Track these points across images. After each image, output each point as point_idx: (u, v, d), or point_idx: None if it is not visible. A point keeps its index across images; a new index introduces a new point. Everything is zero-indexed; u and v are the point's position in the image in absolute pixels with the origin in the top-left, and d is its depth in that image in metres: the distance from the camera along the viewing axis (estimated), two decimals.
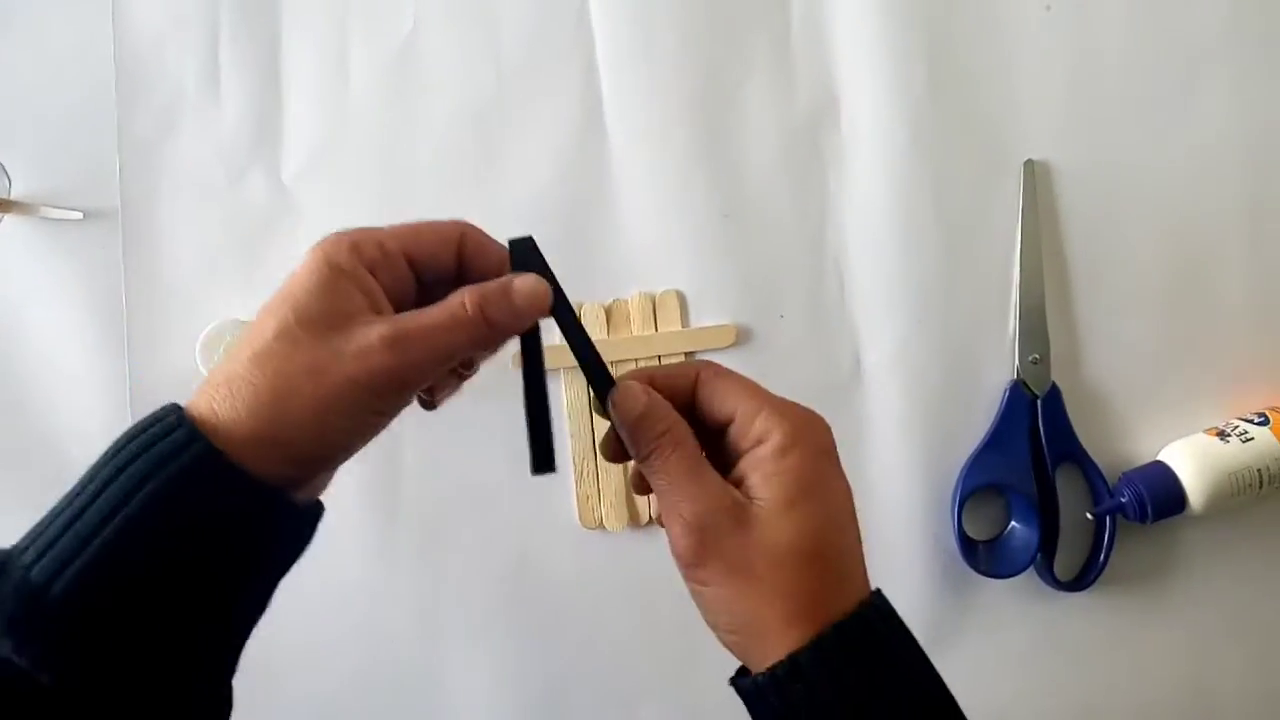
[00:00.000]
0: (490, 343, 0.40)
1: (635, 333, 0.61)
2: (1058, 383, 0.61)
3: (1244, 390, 0.61)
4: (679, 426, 0.39)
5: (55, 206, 0.60)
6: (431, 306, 0.38)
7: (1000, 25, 0.63)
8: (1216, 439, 0.58)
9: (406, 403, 0.38)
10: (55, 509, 0.34)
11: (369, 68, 0.62)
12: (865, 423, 0.61)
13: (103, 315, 0.60)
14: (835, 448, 0.39)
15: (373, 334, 0.36)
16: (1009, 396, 0.60)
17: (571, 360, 0.58)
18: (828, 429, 0.39)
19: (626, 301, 0.61)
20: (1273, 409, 0.59)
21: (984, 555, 0.60)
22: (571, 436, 0.60)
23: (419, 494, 0.60)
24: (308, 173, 0.61)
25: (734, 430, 0.39)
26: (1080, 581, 0.60)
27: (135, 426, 0.35)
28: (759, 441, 0.38)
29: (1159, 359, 0.62)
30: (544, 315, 0.40)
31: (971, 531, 0.60)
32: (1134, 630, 0.61)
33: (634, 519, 0.60)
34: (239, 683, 0.37)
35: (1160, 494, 0.58)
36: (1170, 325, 0.62)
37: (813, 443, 0.38)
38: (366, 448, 0.38)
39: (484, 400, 0.60)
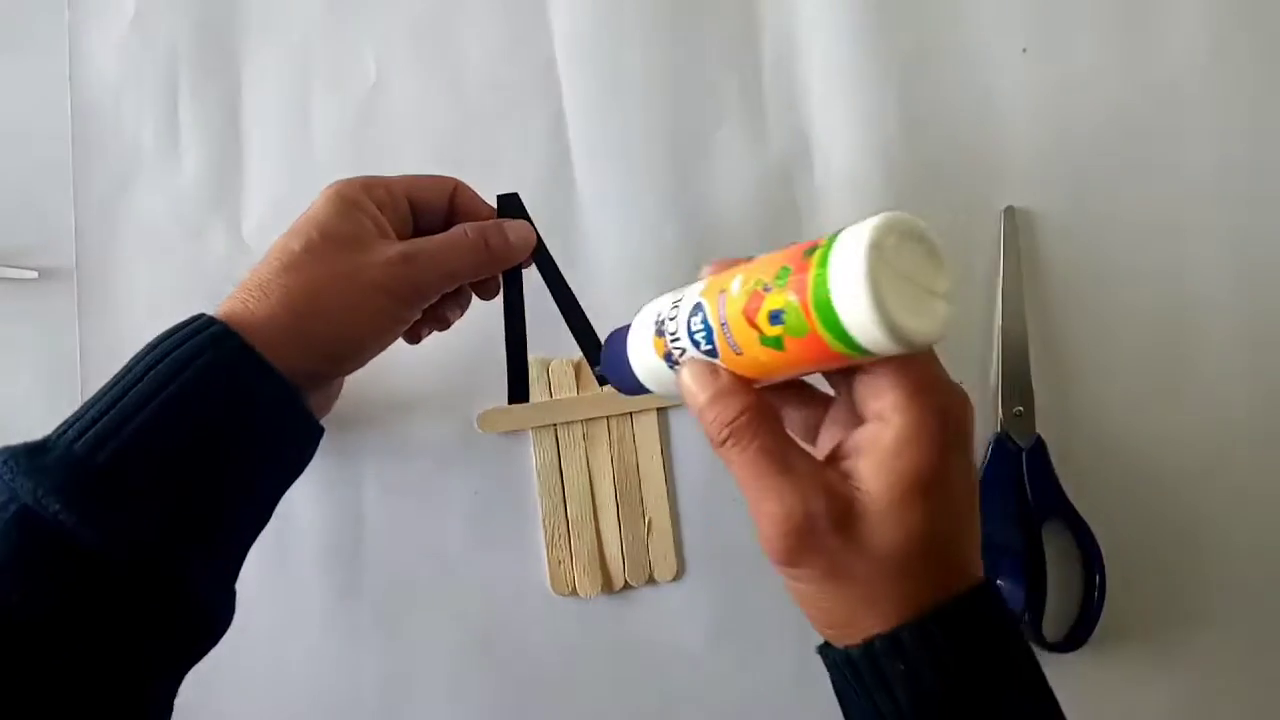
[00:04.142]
0: (484, 268, 0.47)
1: (608, 389, 0.59)
2: (1043, 435, 0.59)
3: None
4: (755, 412, 0.34)
5: (9, 265, 0.58)
6: (435, 235, 0.46)
7: (976, 68, 0.61)
8: None
9: (415, 316, 0.46)
10: (92, 399, 0.38)
11: (332, 120, 0.60)
12: None
13: (57, 375, 0.58)
14: (969, 433, 0.35)
15: (391, 250, 0.43)
16: (993, 450, 0.59)
17: (540, 421, 0.58)
18: (965, 415, 0.34)
19: None
20: None
21: None
22: (540, 499, 0.58)
23: (382, 561, 0.58)
24: (270, 227, 0.59)
25: (858, 386, 0.35)
26: (1070, 641, 0.58)
27: (167, 330, 0.39)
28: (879, 419, 0.33)
29: (1147, 408, 0.60)
30: (528, 253, 0.49)
31: None
32: (1126, 691, 0.59)
33: (608, 584, 0.57)
34: None
35: None
36: (1158, 374, 0.60)
37: (941, 436, 0.33)
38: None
39: (447, 466, 0.58)
